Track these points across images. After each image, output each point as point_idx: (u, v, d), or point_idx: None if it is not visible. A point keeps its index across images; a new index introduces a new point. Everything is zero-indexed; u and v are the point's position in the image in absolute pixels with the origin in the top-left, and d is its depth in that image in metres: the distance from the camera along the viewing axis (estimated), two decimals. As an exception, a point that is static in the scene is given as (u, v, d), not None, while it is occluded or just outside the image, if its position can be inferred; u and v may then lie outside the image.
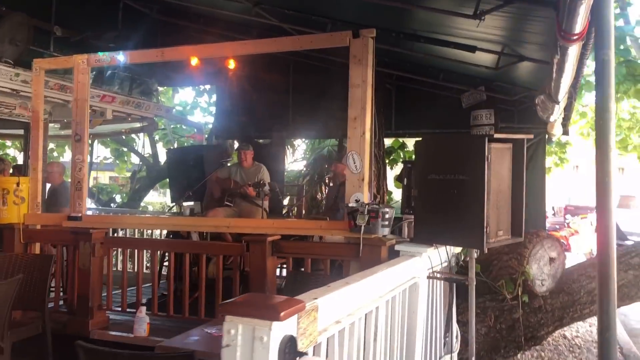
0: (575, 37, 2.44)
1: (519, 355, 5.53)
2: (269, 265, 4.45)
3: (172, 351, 2.60)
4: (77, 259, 5.04)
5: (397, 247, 4.06)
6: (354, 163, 4.25)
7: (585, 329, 7.50)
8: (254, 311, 1.77)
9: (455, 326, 4.67)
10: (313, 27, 5.98)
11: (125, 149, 13.99)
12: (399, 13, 5.05)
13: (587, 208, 21.04)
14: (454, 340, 4.64)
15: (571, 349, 6.57)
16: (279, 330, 1.79)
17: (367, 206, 4.02)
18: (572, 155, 15.98)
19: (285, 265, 4.96)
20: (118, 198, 14.10)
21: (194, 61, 5.79)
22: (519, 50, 5.31)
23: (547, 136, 7.54)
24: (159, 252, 5.13)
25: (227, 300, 1.86)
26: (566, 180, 23.76)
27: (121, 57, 5.08)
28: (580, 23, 2.25)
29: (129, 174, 15.16)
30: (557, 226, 18.80)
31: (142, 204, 13.21)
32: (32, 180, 5.35)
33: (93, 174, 16.37)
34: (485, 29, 4.57)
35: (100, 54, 5.08)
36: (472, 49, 5.22)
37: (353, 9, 5.60)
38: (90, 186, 12.91)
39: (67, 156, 13.72)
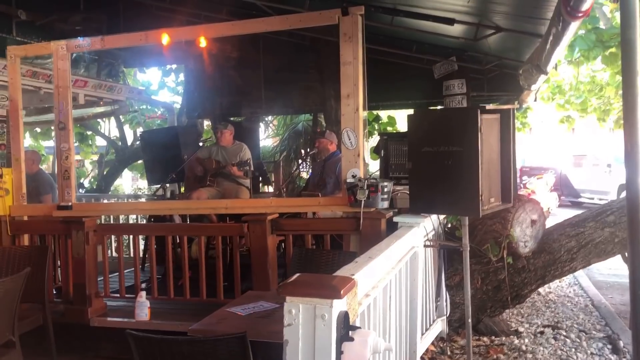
0: (580, 14, 2.59)
1: (504, 315, 5.82)
2: (270, 244, 4.55)
3: (208, 334, 2.68)
4: (70, 248, 5.01)
5: (395, 219, 4.22)
6: (349, 139, 4.35)
7: (556, 285, 7.89)
8: (314, 291, 1.88)
9: (444, 291, 4.89)
10: (290, 4, 5.98)
11: (89, 133, 13.66)
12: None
13: (542, 169, 21.84)
14: (445, 304, 4.87)
15: (547, 304, 6.93)
16: (338, 307, 1.90)
17: (366, 181, 4.14)
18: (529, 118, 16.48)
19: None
20: (86, 183, 13.82)
21: (165, 39, 5.70)
22: (494, 21, 5.47)
23: (516, 102, 7.80)
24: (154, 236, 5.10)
25: (286, 281, 1.95)
26: (521, 142, 24.48)
27: (102, 42, 4.98)
28: (588, 2, 2.40)
29: (95, 157, 14.84)
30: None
31: (112, 187, 13.00)
32: (15, 171, 5.25)
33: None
34: (461, 1, 4.71)
35: (80, 39, 4.96)
36: (451, 22, 5.34)
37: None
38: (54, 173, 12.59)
39: (26, 142, 13.33)
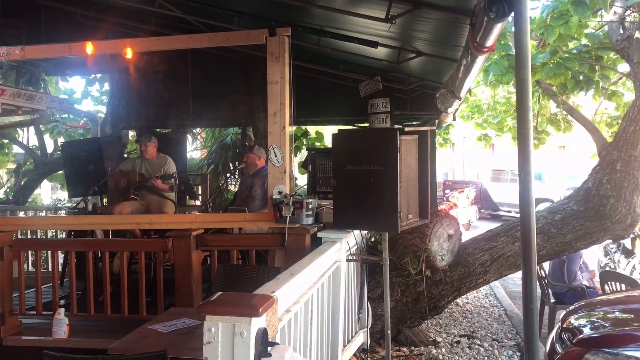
0: (486, 50, 2.83)
1: (423, 325, 6.07)
2: (194, 259, 4.56)
3: (129, 352, 2.68)
4: (-17, 264, 4.81)
5: (319, 234, 4.34)
6: (276, 157, 4.45)
7: (473, 296, 8.31)
8: (234, 309, 1.95)
9: (367, 303, 5.07)
10: (219, 20, 6.03)
11: (6, 141, 12.99)
12: (307, 9, 5.26)
13: (464, 182, 22.85)
14: (367, 316, 5.04)
15: (464, 314, 7.28)
16: (256, 324, 1.99)
17: (291, 198, 4.25)
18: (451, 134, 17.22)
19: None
20: (1, 194, 13.08)
21: (89, 49, 5.58)
22: (415, 46, 5.76)
23: (437, 121, 8.17)
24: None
25: (206, 300, 2.02)
26: (444, 157, 25.48)
27: (22, 52, 4.85)
28: (492, 39, 2.64)
29: (12, 167, 14.07)
30: (438, 200, 20.21)
31: (29, 199, 12.40)
32: None
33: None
34: (385, 26, 4.93)
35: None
36: (374, 44, 5.57)
37: (260, 3, 5.74)
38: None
39: None
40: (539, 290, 6.26)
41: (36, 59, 8.17)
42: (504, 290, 8.84)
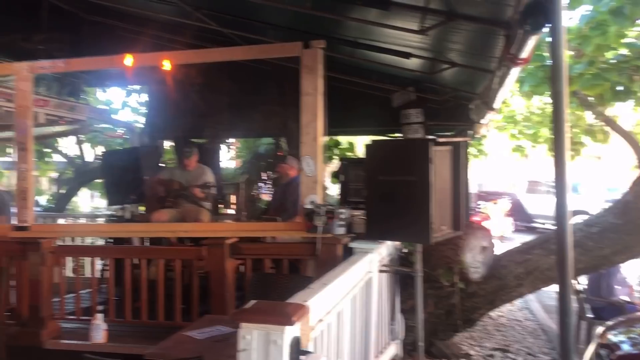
0: (520, 62, 2.83)
1: (456, 338, 6.01)
2: (228, 267, 4.63)
3: (164, 357, 2.74)
4: (26, 269, 4.97)
5: (351, 245, 4.36)
6: (309, 167, 4.50)
7: (507, 309, 8.16)
8: (268, 317, 1.99)
9: (399, 314, 5.05)
10: (255, 33, 6.13)
11: (48, 150, 13.44)
12: (341, 21, 5.32)
13: (498, 194, 22.47)
14: (399, 327, 5.02)
15: (497, 327, 7.17)
16: (290, 333, 2.02)
17: (323, 208, 4.29)
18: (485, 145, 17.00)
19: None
20: (43, 201, 13.52)
21: (129, 61, 5.74)
22: (449, 57, 5.75)
23: (471, 132, 8.11)
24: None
25: (241, 308, 2.07)
26: (478, 168, 25.16)
27: (65, 65, 5.03)
28: (527, 52, 2.63)
29: (53, 175, 14.52)
30: (471, 212, 19.88)
31: (69, 206, 12.78)
32: (-28, 191, 5.20)
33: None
34: (419, 37, 4.95)
35: (44, 61, 4.99)
36: (407, 55, 5.59)
37: (295, 15, 5.81)
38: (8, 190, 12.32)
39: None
40: (575, 304, 6.13)
41: (78, 71, 8.46)
42: (539, 304, 8.66)
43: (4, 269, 4.74)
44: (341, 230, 4.43)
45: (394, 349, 4.84)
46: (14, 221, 5.21)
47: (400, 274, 4.98)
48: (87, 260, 7.34)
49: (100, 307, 5.18)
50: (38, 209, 11.96)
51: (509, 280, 5.58)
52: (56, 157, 14.44)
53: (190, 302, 4.84)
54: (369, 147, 4.33)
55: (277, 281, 4.11)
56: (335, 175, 7.04)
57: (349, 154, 9.42)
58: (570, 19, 7.74)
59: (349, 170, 6.08)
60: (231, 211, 8.78)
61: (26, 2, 7.86)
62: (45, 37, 7.39)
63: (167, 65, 6.78)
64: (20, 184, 5.05)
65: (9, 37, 7.26)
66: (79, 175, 12.32)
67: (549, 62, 6.71)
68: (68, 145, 13.98)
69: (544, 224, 19.11)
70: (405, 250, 5.68)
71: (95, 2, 7.76)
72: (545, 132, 11.36)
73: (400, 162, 4.12)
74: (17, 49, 7.18)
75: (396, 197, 4.06)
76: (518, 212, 20.52)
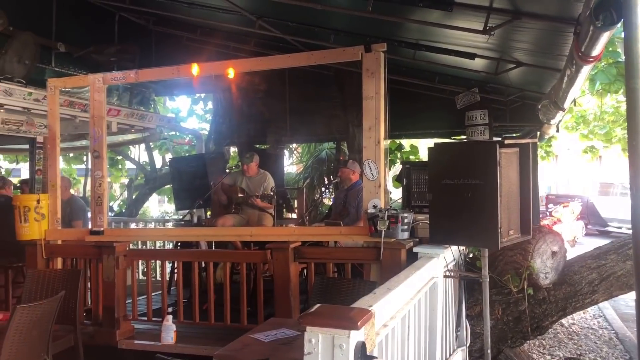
0: (592, 59, 2.71)
1: (525, 345, 5.82)
2: (292, 271, 4.67)
3: (232, 359, 2.80)
4: (101, 271, 5.21)
5: (415, 249, 4.30)
6: (371, 171, 4.48)
7: (580, 317, 7.84)
8: (333, 322, 2.00)
9: (465, 321, 4.93)
10: (316, 39, 6.19)
11: (119, 157, 14.07)
12: (402, 24, 5.28)
13: (568, 196, 21.59)
14: (465, 334, 4.91)
15: (569, 336, 6.89)
16: (355, 338, 2.02)
17: (386, 212, 4.26)
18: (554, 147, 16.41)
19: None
20: (115, 206, 14.18)
21: (195, 70, 5.93)
22: (515, 56, 5.59)
23: (538, 133, 7.86)
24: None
25: (306, 312, 2.08)
26: (546, 170, 24.31)
27: (136, 75, 5.24)
28: (598, 49, 2.52)
29: (125, 181, 15.20)
30: (540, 215, 19.27)
31: (140, 212, 13.32)
32: (51, 197, 5.48)
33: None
34: (483, 37, 4.84)
35: (116, 72, 5.23)
36: (472, 56, 5.48)
37: (356, 20, 5.82)
38: (85, 195, 12.98)
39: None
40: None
41: (147, 80, 8.83)
42: (614, 312, 8.26)
43: (82, 271, 4.97)
44: (404, 235, 4.38)
45: (460, 355, 4.73)
46: (90, 226, 5.46)
47: (465, 280, 4.87)
48: (157, 263, 7.66)
49: (170, 309, 5.35)
50: (111, 214, 12.54)
51: (582, 287, 5.34)
52: (128, 164, 15.08)
53: (256, 304, 4.92)
54: (432, 150, 4.27)
55: (340, 285, 4.11)
56: (398, 179, 6.96)
57: (411, 157, 9.32)
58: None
59: (412, 174, 6.02)
60: (294, 215, 8.88)
61: (98, 16, 8.30)
62: (117, 49, 7.75)
63: (231, 73, 7.00)
64: (95, 190, 5.30)
65: (84, 51, 7.65)
66: (149, 181, 12.83)
67: (622, 58, 6.42)
68: (139, 152, 14.59)
69: (619, 228, 18.20)
70: (471, 255, 5.56)
71: (163, 14, 8.09)
72: (619, 132, 10.83)
73: (465, 165, 4.03)
74: (89, 61, 7.57)
75: (461, 201, 3.98)
76: (590, 216, 19.67)
